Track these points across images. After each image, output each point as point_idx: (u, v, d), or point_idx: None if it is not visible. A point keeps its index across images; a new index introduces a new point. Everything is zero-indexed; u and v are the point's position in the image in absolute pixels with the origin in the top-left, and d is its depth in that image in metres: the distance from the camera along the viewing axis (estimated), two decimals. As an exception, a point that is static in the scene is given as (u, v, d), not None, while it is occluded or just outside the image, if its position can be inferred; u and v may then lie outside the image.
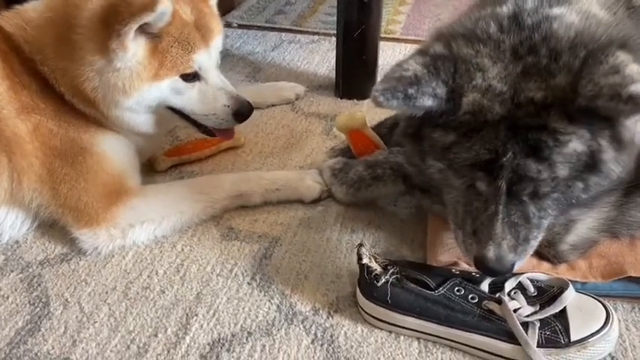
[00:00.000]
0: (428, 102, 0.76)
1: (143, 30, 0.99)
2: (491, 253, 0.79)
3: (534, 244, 0.83)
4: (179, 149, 1.36)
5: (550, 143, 0.73)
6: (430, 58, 0.78)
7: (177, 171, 1.33)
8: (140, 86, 1.03)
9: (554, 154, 0.74)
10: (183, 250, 1.09)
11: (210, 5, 1.15)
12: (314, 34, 2.04)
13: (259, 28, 2.10)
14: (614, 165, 0.77)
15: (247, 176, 1.21)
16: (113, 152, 1.11)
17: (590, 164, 0.76)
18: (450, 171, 0.82)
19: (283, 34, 2.05)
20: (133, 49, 0.99)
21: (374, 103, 0.75)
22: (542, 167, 0.75)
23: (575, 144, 0.74)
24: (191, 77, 1.08)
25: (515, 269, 0.82)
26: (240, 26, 2.12)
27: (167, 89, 1.07)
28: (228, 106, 1.13)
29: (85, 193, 1.06)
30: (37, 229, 1.14)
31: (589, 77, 0.70)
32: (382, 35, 1.74)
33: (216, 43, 1.12)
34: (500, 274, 0.83)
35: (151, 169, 1.29)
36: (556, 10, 0.80)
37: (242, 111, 1.14)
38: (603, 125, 0.74)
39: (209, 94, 1.11)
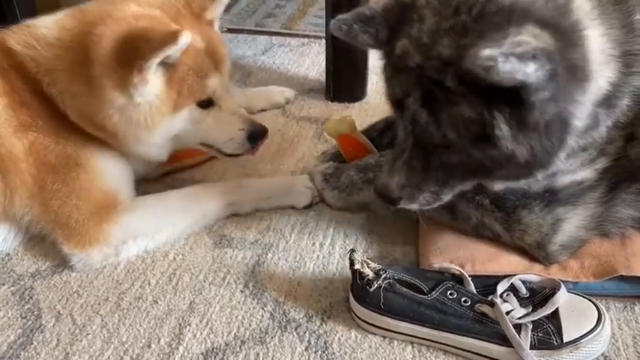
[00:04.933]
0: (368, 40, 0.85)
1: (161, 61, 0.99)
2: (381, 181, 0.90)
3: (428, 197, 0.89)
4: (171, 156, 1.35)
5: (440, 99, 0.78)
6: (395, 1, 0.85)
7: (169, 179, 1.32)
8: (162, 120, 1.03)
9: (442, 111, 0.78)
10: (175, 259, 1.09)
11: (216, 30, 1.14)
12: (304, 37, 2.03)
13: (249, 31, 2.09)
14: (512, 144, 0.76)
15: (238, 184, 1.21)
16: (108, 169, 1.09)
17: (482, 135, 0.77)
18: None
19: (273, 37, 2.04)
20: (153, 81, 0.99)
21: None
22: (429, 120, 0.80)
23: (463, 107, 0.76)
24: (206, 104, 1.09)
25: (408, 206, 0.91)
26: (230, 30, 2.11)
27: (186, 119, 1.07)
28: (243, 130, 1.13)
29: (77, 210, 1.04)
30: (28, 242, 1.13)
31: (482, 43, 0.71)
32: (372, 37, 1.74)
33: (226, 67, 1.11)
34: (384, 200, 0.91)
35: (142, 177, 1.29)
36: None
37: (256, 133, 1.14)
38: (505, 100, 0.73)
39: (224, 120, 1.12)
